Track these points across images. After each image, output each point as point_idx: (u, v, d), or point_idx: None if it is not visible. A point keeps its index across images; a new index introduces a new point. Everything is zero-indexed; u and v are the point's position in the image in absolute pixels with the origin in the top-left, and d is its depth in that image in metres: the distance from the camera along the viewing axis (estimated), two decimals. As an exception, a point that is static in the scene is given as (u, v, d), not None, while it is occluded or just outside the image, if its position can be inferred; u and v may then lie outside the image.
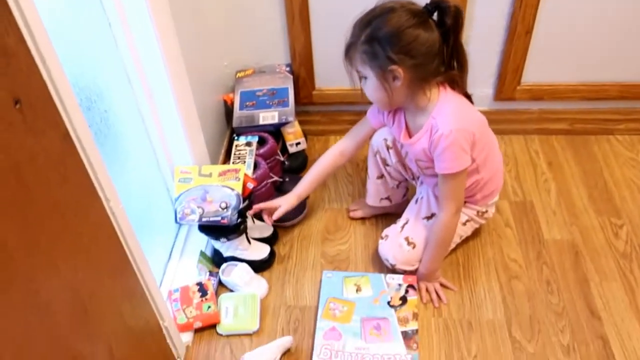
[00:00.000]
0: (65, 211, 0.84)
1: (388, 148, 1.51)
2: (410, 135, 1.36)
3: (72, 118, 0.85)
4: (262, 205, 1.52)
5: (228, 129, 1.86)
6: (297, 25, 1.73)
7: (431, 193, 1.48)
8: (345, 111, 1.92)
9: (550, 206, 1.65)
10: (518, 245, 1.55)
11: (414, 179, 1.56)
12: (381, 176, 1.59)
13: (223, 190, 1.44)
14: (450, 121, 1.24)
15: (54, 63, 0.79)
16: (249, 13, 1.72)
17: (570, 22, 1.66)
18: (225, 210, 1.41)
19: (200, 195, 1.43)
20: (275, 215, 1.50)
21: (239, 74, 1.84)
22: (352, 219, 1.67)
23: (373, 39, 1.19)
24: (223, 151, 1.81)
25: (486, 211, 1.48)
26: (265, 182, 1.58)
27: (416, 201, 1.52)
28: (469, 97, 1.32)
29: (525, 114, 1.86)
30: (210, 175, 1.47)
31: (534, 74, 1.76)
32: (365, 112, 1.89)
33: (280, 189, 1.69)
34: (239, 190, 1.44)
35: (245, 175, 1.47)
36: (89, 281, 0.91)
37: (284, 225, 1.65)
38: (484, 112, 1.33)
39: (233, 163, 1.57)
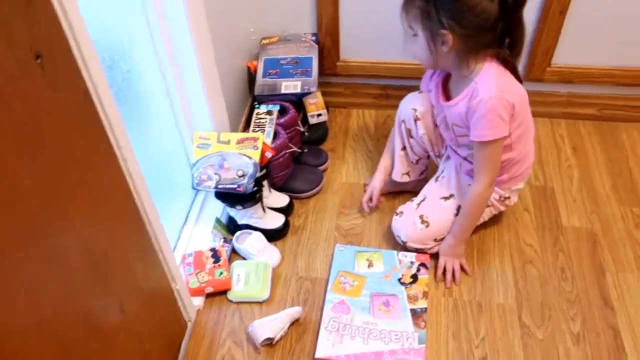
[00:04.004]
0: (83, 167, 0.85)
1: (416, 119, 1.48)
2: (447, 99, 1.34)
3: (93, 76, 0.85)
4: (375, 193, 1.57)
5: (250, 97, 1.85)
6: (325, -6, 1.70)
7: (453, 173, 1.46)
8: (369, 84, 1.90)
9: (571, 193, 1.62)
10: (535, 231, 1.52)
11: (438, 156, 1.54)
12: (404, 147, 1.56)
13: (241, 158, 1.44)
14: (492, 88, 1.22)
15: (76, 18, 0.79)
16: (277, -21, 1.70)
17: (607, 2, 1.59)
18: (241, 178, 1.41)
19: (218, 162, 1.44)
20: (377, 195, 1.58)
21: (264, 41, 1.82)
22: None
23: (430, 1, 1.16)
24: (244, 118, 1.80)
25: (509, 197, 1.46)
26: (283, 152, 1.57)
27: (437, 179, 1.50)
28: (516, 73, 1.29)
29: (553, 96, 1.82)
30: (228, 142, 1.47)
31: (565, 55, 1.71)
32: (389, 87, 1.88)
33: (298, 160, 1.69)
34: (257, 158, 1.44)
35: (264, 144, 1.47)
36: (102, 238, 0.93)
37: (299, 196, 1.65)
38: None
39: (253, 131, 1.56)
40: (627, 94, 1.78)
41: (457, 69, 1.27)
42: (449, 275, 1.42)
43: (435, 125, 1.49)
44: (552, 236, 1.51)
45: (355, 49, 1.81)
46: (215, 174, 1.43)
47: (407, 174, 1.60)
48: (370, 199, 1.58)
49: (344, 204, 1.64)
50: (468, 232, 1.42)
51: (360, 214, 1.61)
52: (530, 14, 1.63)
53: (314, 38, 1.79)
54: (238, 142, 1.47)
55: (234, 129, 1.68)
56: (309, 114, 1.79)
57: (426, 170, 1.62)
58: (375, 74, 1.85)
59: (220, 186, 1.42)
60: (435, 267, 1.44)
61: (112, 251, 0.97)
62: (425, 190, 1.50)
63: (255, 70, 1.76)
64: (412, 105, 1.48)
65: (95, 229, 0.90)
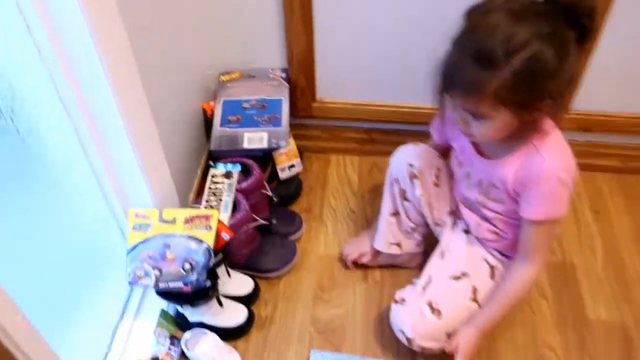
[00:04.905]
0: None
1: (412, 177, 1.20)
2: (479, 153, 1.08)
3: None
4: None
5: (207, 144, 1.51)
6: (297, 22, 1.37)
7: (463, 245, 1.19)
8: (351, 127, 1.59)
9: (596, 271, 1.34)
10: (556, 327, 1.24)
11: (438, 224, 1.25)
12: (395, 213, 1.27)
13: (189, 243, 1.12)
14: (562, 156, 1.02)
15: None
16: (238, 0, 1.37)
17: (637, 43, 1.32)
18: (189, 272, 1.09)
19: (159, 250, 1.11)
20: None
21: (222, 77, 1.49)
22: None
23: (528, 74, 0.88)
24: (199, 173, 1.47)
25: None
26: (245, 227, 1.26)
27: (442, 255, 1.21)
28: None
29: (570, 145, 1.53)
30: (173, 221, 1.15)
31: (586, 101, 1.42)
32: (375, 130, 1.58)
33: (267, 231, 1.37)
34: (210, 242, 1.12)
35: (220, 223, 1.15)
36: None
37: (267, 276, 1.34)
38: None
39: (206, 199, 1.24)
40: (655, 144, 1.51)
41: (522, 131, 0.99)
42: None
43: (436, 185, 1.21)
44: (577, 334, 1.23)
45: (335, 87, 1.50)
46: (155, 268, 1.10)
47: (398, 244, 1.31)
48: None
49: (321, 285, 1.34)
50: (493, 324, 1.13)
51: (340, 300, 1.31)
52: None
53: (283, 75, 1.47)
54: (186, 221, 1.15)
55: (184, 189, 1.36)
56: (278, 167, 1.48)
57: (423, 243, 1.32)
58: (358, 116, 1.54)
59: (161, 284, 1.10)
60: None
61: None
62: (430, 270, 1.19)
63: (212, 114, 1.44)
64: (407, 160, 1.20)
65: None
